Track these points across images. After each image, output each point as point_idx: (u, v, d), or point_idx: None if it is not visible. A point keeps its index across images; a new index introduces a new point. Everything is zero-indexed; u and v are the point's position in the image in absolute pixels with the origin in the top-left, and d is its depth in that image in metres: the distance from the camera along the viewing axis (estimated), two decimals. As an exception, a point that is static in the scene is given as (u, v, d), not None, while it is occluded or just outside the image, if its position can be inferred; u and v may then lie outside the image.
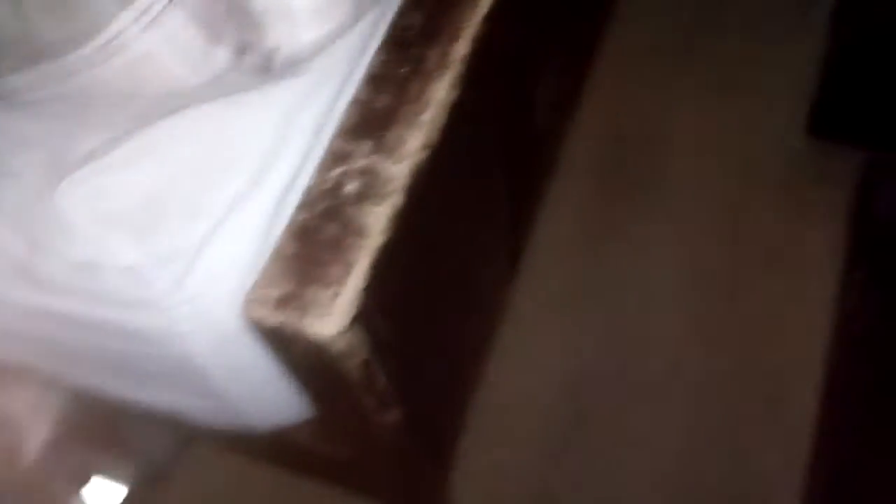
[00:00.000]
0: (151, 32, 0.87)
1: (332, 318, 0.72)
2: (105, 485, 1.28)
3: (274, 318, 0.74)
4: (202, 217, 0.83)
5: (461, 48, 0.90)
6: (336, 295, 0.73)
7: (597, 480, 1.22)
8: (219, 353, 0.84)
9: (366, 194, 0.80)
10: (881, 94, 1.35)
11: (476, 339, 1.24)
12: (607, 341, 1.32)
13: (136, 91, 0.90)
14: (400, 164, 0.82)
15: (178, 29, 0.88)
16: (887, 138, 1.39)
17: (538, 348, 1.33)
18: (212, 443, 1.27)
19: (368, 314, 0.75)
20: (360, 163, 0.82)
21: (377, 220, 0.78)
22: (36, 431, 1.09)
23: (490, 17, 0.92)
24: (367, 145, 0.84)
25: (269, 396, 0.89)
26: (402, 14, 0.94)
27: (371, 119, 0.86)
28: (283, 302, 0.74)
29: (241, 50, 0.90)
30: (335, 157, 0.83)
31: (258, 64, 0.90)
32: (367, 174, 0.81)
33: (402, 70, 0.89)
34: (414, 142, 0.83)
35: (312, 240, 0.77)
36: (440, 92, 0.87)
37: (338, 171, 0.82)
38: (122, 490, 1.28)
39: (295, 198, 0.81)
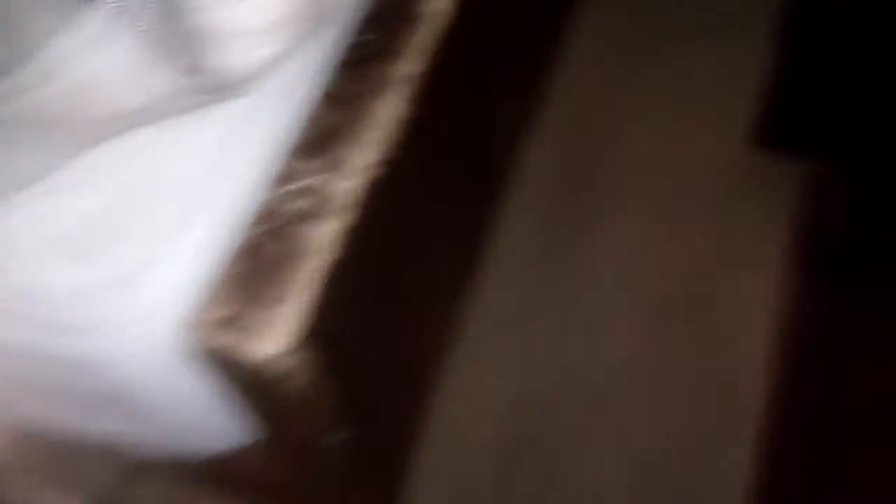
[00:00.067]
0: (93, 54, 0.86)
1: (275, 338, 0.72)
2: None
3: (217, 340, 0.73)
4: (145, 239, 0.82)
5: (415, 66, 0.90)
6: (280, 315, 0.73)
7: (553, 493, 1.22)
8: (163, 378, 0.82)
9: (313, 212, 0.79)
10: (825, 105, 1.39)
11: (428, 356, 1.23)
12: (562, 355, 1.32)
13: (77, 114, 0.89)
14: (348, 182, 0.82)
15: (121, 50, 0.87)
16: (831, 148, 1.42)
17: (493, 363, 1.33)
18: (160, 472, 1.23)
19: (314, 334, 0.74)
20: (307, 181, 0.82)
21: (324, 239, 0.77)
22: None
23: (445, 36, 0.93)
24: (315, 163, 0.83)
25: (215, 421, 0.87)
26: (356, 33, 0.94)
27: (320, 137, 0.85)
28: (227, 323, 0.73)
29: (188, 71, 0.89)
30: (283, 175, 0.83)
31: (205, 85, 0.89)
32: (315, 192, 0.81)
33: (354, 88, 0.89)
34: (363, 159, 0.83)
35: (257, 260, 0.76)
36: (391, 109, 0.87)
37: (285, 189, 0.82)
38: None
39: (241, 218, 0.80)
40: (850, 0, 1.27)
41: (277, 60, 0.89)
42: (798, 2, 1.40)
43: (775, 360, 1.25)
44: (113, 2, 0.85)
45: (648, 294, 1.36)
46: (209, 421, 0.89)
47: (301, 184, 0.82)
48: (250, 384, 0.76)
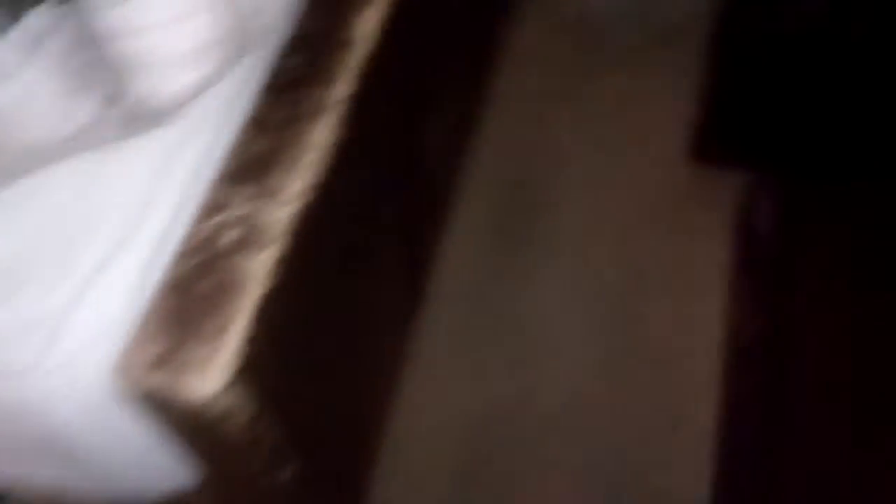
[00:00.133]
0: (7, 87, 0.82)
1: (211, 376, 0.69)
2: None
3: (149, 380, 0.69)
4: (69, 277, 0.78)
5: (342, 90, 0.88)
6: (215, 351, 0.70)
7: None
8: (94, 423, 0.78)
9: (245, 242, 0.77)
10: (756, 116, 1.42)
11: (377, 384, 1.21)
12: (512, 378, 1.32)
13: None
14: (281, 210, 0.79)
15: (36, 82, 0.83)
16: (764, 158, 1.46)
17: (444, 386, 1.31)
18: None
19: (252, 368, 0.71)
20: (239, 210, 0.79)
21: (258, 269, 0.75)
22: None
23: (375, 59, 0.92)
24: (246, 192, 0.81)
25: (153, 464, 0.84)
26: (281, 58, 0.92)
27: (250, 164, 0.83)
28: (159, 363, 0.69)
29: (108, 101, 0.86)
30: (212, 205, 0.80)
31: (126, 114, 0.86)
32: (247, 221, 0.78)
33: (282, 113, 0.87)
34: (295, 186, 0.81)
35: (188, 294, 0.73)
36: (322, 134, 0.85)
37: (215, 219, 0.79)
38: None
39: (170, 251, 0.77)
40: (773, 17, 1.30)
41: (203, 86, 0.86)
42: (723, 19, 1.43)
43: (723, 373, 1.26)
44: (25, 31, 0.81)
45: (595, 314, 1.36)
46: (149, 464, 0.85)
47: (233, 213, 0.79)
48: (188, 425, 0.73)
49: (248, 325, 0.72)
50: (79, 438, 0.81)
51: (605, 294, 1.38)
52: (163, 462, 0.83)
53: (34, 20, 0.82)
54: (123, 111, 0.85)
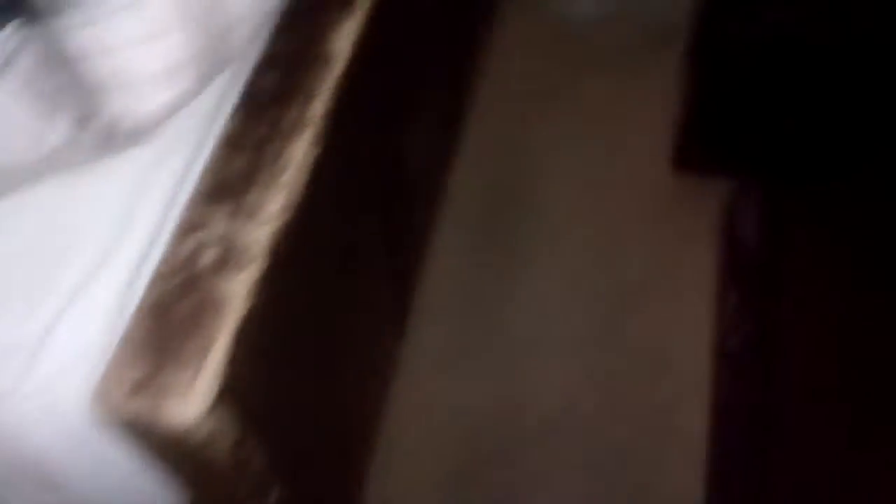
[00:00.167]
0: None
1: (192, 400, 0.67)
2: None
3: (129, 406, 0.68)
4: (46, 301, 0.77)
5: (320, 106, 0.87)
6: (196, 374, 0.68)
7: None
8: (73, 448, 0.77)
9: (224, 262, 0.75)
10: (736, 123, 1.42)
11: (363, 400, 1.20)
12: (499, 391, 1.31)
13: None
14: (260, 229, 0.78)
15: (7, 103, 0.82)
16: (746, 164, 1.46)
17: (432, 398, 1.31)
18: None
19: (234, 391, 0.70)
20: (217, 230, 0.78)
21: (238, 290, 0.73)
22: None
23: (350, 74, 0.91)
24: (224, 211, 0.79)
25: (134, 489, 0.82)
26: (255, 75, 0.91)
27: (227, 184, 0.82)
28: (138, 388, 0.68)
29: (81, 122, 0.85)
30: (189, 225, 0.78)
31: (100, 135, 0.84)
32: (225, 241, 0.77)
33: (259, 131, 0.86)
34: (274, 204, 0.80)
35: (167, 317, 0.72)
36: (299, 151, 0.84)
37: (193, 240, 0.77)
38: None
39: (147, 273, 0.76)
40: (751, 24, 1.30)
41: (178, 105, 0.85)
42: (701, 27, 1.43)
43: (711, 380, 1.26)
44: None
45: (581, 325, 1.36)
46: (131, 489, 0.83)
47: (211, 233, 0.77)
48: (171, 451, 0.72)
49: (228, 347, 0.70)
50: (58, 464, 0.80)
51: (591, 298, 1.38)
52: (145, 488, 0.82)
53: (0, 43, 0.81)
54: (97, 132, 0.84)
